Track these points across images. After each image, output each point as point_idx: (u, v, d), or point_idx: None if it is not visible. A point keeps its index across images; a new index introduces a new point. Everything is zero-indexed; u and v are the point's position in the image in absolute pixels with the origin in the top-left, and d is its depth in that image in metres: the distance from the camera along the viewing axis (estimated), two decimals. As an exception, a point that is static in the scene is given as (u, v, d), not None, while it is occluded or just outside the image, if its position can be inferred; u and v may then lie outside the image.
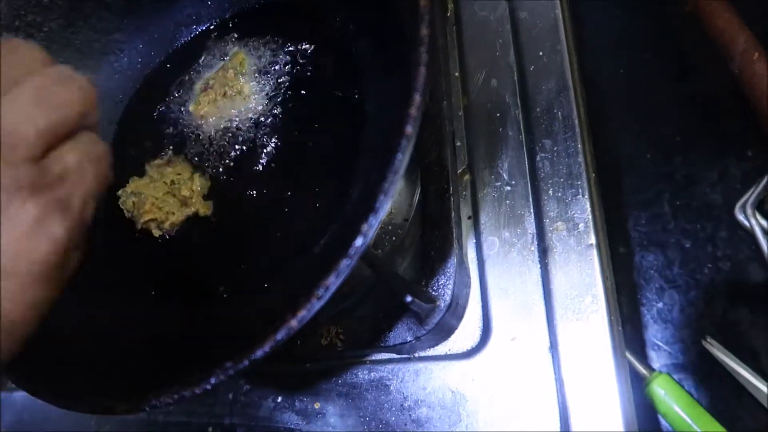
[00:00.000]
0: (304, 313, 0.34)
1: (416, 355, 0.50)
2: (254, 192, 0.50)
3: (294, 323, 0.34)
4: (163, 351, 0.43)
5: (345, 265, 0.34)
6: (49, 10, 0.56)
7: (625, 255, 0.65)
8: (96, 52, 0.59)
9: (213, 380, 0.35)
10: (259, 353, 0.34)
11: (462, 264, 0.50)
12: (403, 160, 0.35)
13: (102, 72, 0.59)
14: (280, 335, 0.34)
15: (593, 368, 0.44)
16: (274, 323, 0.35)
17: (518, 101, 0.52)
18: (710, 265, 0.62)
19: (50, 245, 0.29)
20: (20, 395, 0.64)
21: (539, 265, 0.48)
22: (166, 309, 0.48)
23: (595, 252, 0.46)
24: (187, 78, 0.58)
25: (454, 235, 0.49)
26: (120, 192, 0.53)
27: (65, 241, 0.30)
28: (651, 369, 0.55)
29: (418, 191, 0.53)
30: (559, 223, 0.48)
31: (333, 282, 0.34)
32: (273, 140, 0.52)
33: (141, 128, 0.58)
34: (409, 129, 0.35)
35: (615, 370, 0.43)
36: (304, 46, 0.54)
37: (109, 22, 0.58)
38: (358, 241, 0.34)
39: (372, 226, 0.34)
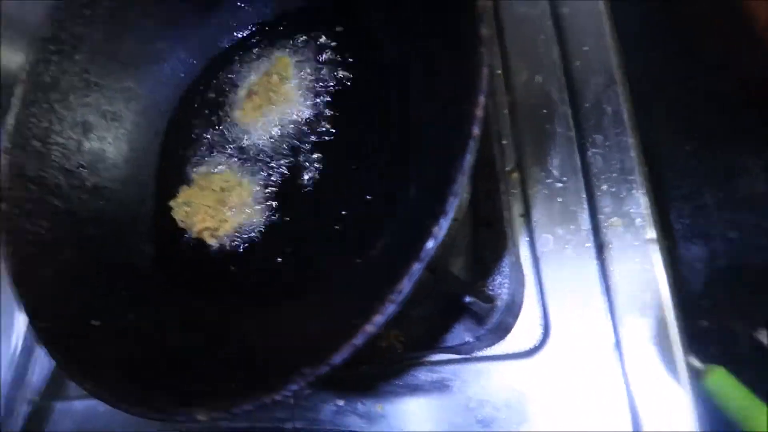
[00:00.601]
0: (380, 318, 0.34)
1: (475, 355, 0.50)
2: (305, 195, 0.51)
3: (370, 328, 0.35)
4: (236, 358, 0.44)
5: (417, 268, 0.34)
6: (93, 22, 0.57)
7: (669, 248, 0.64)
8: (139, 63, 0.59)
9: (293, 386, 0.35)
10: (337, 359, 0.35)
11: (517, 263, 0.50)
12: (470, 161, 0.35)
13: (146, 83, 0.60)
14: (358, 340, 0.35)
15: (660, 365, 0.44)
16: (346, 328, 0.36)
17: (565, 97, 0.52)
18: (756, 255, 0.61)
19: None
20: (81, 404, 0.65)
21: (597, 262, 0.48)
22: (231, 316, 0.49)
23: (654, 247, 0.46)
24: (230, 85, 0.58)
25: (508, 234, 0.49)
26: (171, 202, 0.54)
27: None
28: (705, 362, 0.55)
29: (468, 191, 0.53)
30: (615, 218, 0.48)
31: (407, 285, 0.34)
32: (321, 143, 0.52)
33: (187, 137, 0.59)
34: (476, 130, 0.35)
35: (684, 366, 0.43)
36: (347, 47, 0.54)
37: (151, 32, 0.59)
38: (430, 244, 0.34)
39: (442, 228, 0.34)
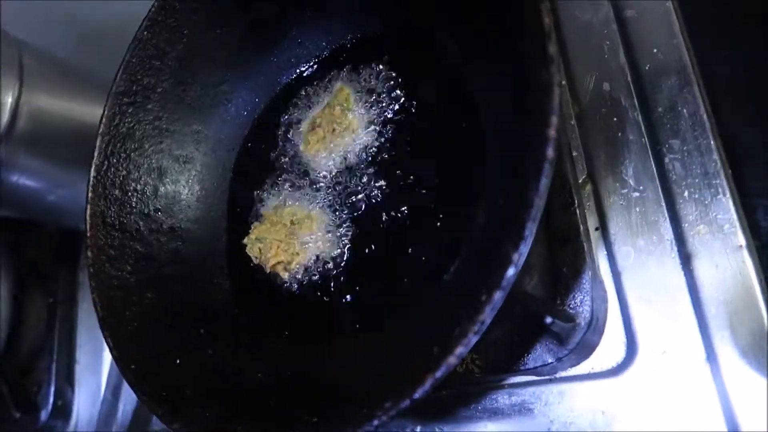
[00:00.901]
0: (462, 350, 0.34)
1: (558, 375, 0.48)
2: (375, 223, 0.51)
3: (452, 360, 0.34)
4: (316, 392, 0.44)
5: (499, 297, 0.34)
6: (161, 71, 0.59)
7: (758, 248, 0.61)
8: (206, 106, 0.62)
9: (375, 422, 0.35)
10: (419, 392, 0.34)
11: (597, 278, 0.48)
12: (547, 184, 0.34)
13: (213, 123, 0.62)
14: (440, 373, 0.34)
15: (759, 379, 0.41)
16: (426, 361, 0.35)
17: (636, 103, 0.50)
18: None
19: None
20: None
21: (683, 273, 0.45)
22: (308, 349, 0.49)
23: (745, 254, 0.43)
24: (294, 119, 0.60)
25: (585, 248, 0.48)
26: (245, 240, 0.55)
27: None
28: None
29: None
30: (701, 226, 0.45)
31: (488, 315, 0.34)
32: (386, 170, 0.52)
33: (255, 172, 0.60)
34: (550, 152, 0.34)
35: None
36: (407, 75, 0.54)
37: (215, 75, 0.61)
38: (510, 272, 0.33)
39: (523, 255, 0.33)
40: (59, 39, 0.77)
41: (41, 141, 0.67)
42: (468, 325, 0.34)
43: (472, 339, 0.34)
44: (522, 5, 0.37)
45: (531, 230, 0.33)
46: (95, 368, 0.78)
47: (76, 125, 0.70)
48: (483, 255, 0.42)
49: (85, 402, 0.78)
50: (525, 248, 0.33)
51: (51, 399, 0.77)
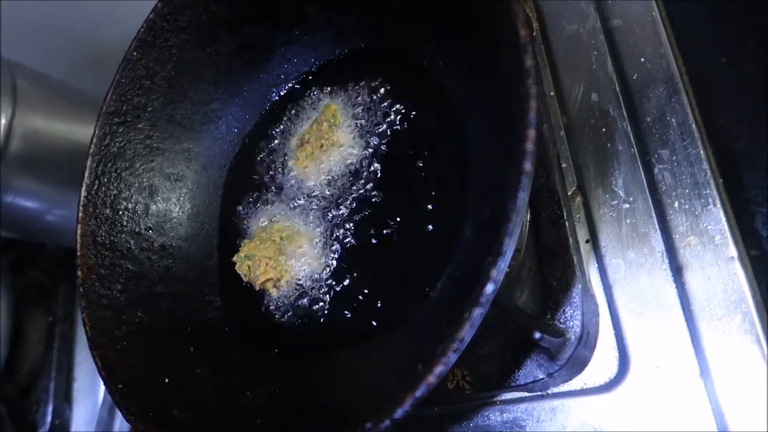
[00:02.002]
0: (442, 368, 0.33)
1: (549, 392, 0.47)
2: (363, 240, 0.50)
3: (432, 379, 0.33)
4: (301, 411, 0.43)
5: (478, 314, 0.33)
6: (151, 91, 0.60)
7: (757, 258, 0.59)
8: (196, 124, 0.62)
9: (356, 443, 0.35)
10: (399, 412, 0.34)
11: (587, 291, 0.47)
12: (525, 198, 0.33)
13: (203, 141, 0.62)
14: (419, 392, 0.33)
15: (754, 393, 0.40)
16: (407, 380, 0.35)
17: (624, 113, 0.49)
18: None
19: None
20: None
21: (675, 285, 0.44)
22: (295, 368, 0.49)
23: (737, 265, 0.42)
24: (283, 135, 0.60)
25: (575, 261, 0.47)
26: (235, 258, 0.55)
27: None
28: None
29: (528, 219, 0.51)
30: (692, 237, 0.44)
31: (468, 333, 0.33)
32: (375, 185, 0.52)
33: (244, 190, 0.60)
34: (527, 165, 0.33)
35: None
36: (394, 90, 0.54)
37: (205, 93, 0.61)
38: (489, 288, 0.33)
39: (501, 271, 0.33)
40: (56, 62, 0.78)
41: (36, 162, 0.68)
42: (447, 344, 0.33)
43: (452, 357, 0.33)
44: (499, 19, 0.37)
45: (508, 246, 0.33)
46: (93, 386, 0.78)
47: (71, 146, 0.71)
48: (467, 271, 0.41)
49: (83, 421, 0.78)
50: (503, 264, 0.33)
51: (49, 418, 0.77)
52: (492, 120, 0.40)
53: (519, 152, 0.33)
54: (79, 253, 0.54)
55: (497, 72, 0.38)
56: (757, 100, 0.58)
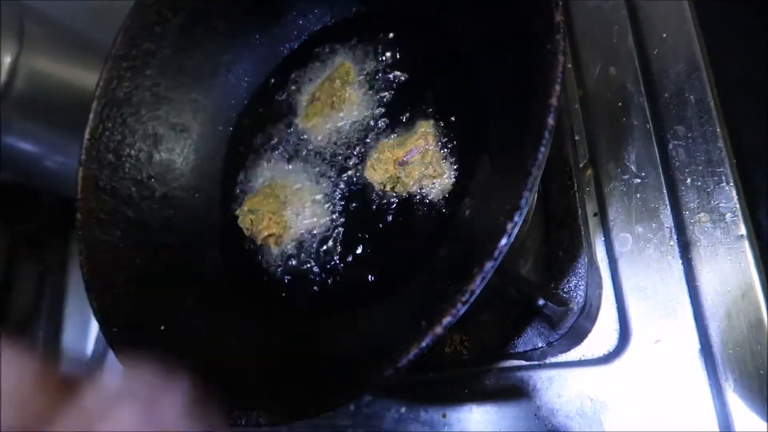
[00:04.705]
0: (450, 319, 0.33)
1: (548, 361, 0.47)
2: (370, 198, 0.50)
3: (439, 330, 0.33)
4: (300, 364, 0.43)
5: (489, 267, 0.33)
6: (162, 37, 0.58)
7: (760, 248, 0.60)
8: (206, 75, 0.61)
9: (358, 392, 0.34)
10: (403, 361, 0.33)
11: (593, 263, 0.47)
12: (545, 154, 0.33)
13: (212, 93, 0.61)
14: (425, 342, 0.33)
15: (755, 370, 0.40)
16: (412, 330, 0.34)
17: (642, 88, 0.49)
18: None
19: None
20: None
21: (681, 261, 0.44)
22: (295, 323, 0.48)
23: (746, 244, 0.42)
24: (293, 92, 0.59)
25: (583, 233, 0.47)
26: (237, 211, 0.54)
27: None
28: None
29: (538, 189, 0.51)
30: (702, 214, 0.44)
31: (478, 285, 0.33)
32: (385, 146, 0.51)
33: (251, 145, 0.59)
34: (551, 120, 0.33)
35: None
36: (410, 50, 0.53)
37: (217, 44, 0.60)
38: (503, 241, 0.32)
39: (517, 224, 0.32)
40: (66, 7, 0.76)
41: (39, 104, 0.66)
42: (457, 295, 0.33)
43: (461, 309, 0.33)
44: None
45: (527, 199, 0.32)
46: (82, 338, 0.77)
47: (76, 91, 0.69)
48: (478, 228, 0.41)
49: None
50: (519, 217, 0.32)
51: (36, 367, 0.76)
52: (514, 77, 0.40)
53: (544, 108, 0.33)
54: (80, 196, 0.53)
55: (524, 27, 0.38)
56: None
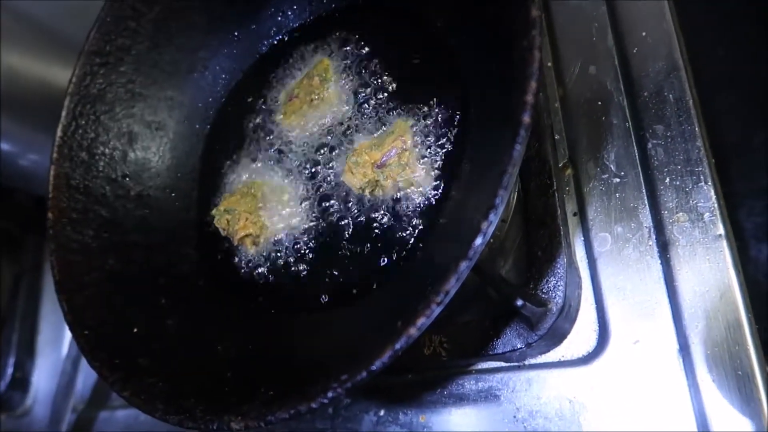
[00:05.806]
0: (424, 320, 0.32)
1: (527, 362, 0.47)
2: (347, 198, 0.49)
3: (413, 331, 0.32)
4: (275, 366, 0.42)
5: (464, 267, 0.32)
6: (137, 33, 0.57)
7: (739, 248, 0.60)
8: (182, 72, 0.60)
9: (330, 394, 0.33)
10: (377, 364, 0.33)
11: (572, 263, 0.46)
12: (521, 152, 0.32)
13: (188, 90, 0.60)
14: (399, 344, 0.32)
15: (733, 371, 0.40)
16: (387, 332, 0.34)
17: (621, 87, 0.49)
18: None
19: None
20: (123, 413, 0.65)
21: (660, 261, 0.44)
22: (270, 324, 0.47)
23: (724, 243, 0.42)
24: (270, 90, 0.58)
25: (562, 233, 0.46)
26: (214, 211, 0.53)
27: None
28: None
29: (517, 189, 0.50)
30: (680, 213, 0.44)
31: (453, 286, 0.32)
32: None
33: (227, 143, 0.58)
34: (526, 117, 0.32)
35: (758, 370, 0.39)
36: (390, 47, 0.52)
37: (193, 40, 0.59)
38: (478, 241, 0.32)
39: (492, 224, 0.32)
40: (46, 7, 0.74)
41: (12, 101, 0.65)
42: (432, 296, 0.32)
43: (435, 310, 0.32)
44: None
45: (502, 198, 0.32)
46: (57, 340, 0.76)
47: (49, 90, 0.68)
48: (455, 228, 0.40)
49: (45, 374, 0.75)
50: (494, 217, 0.32)
51: (10, 370, 0.75)
52: (493, 73, 0.39)
53: (519, 104, 0.32)
54: (51, 195, 0.52)
55: (502, 23, 0.37)
56: (754, 91, 0.58)
